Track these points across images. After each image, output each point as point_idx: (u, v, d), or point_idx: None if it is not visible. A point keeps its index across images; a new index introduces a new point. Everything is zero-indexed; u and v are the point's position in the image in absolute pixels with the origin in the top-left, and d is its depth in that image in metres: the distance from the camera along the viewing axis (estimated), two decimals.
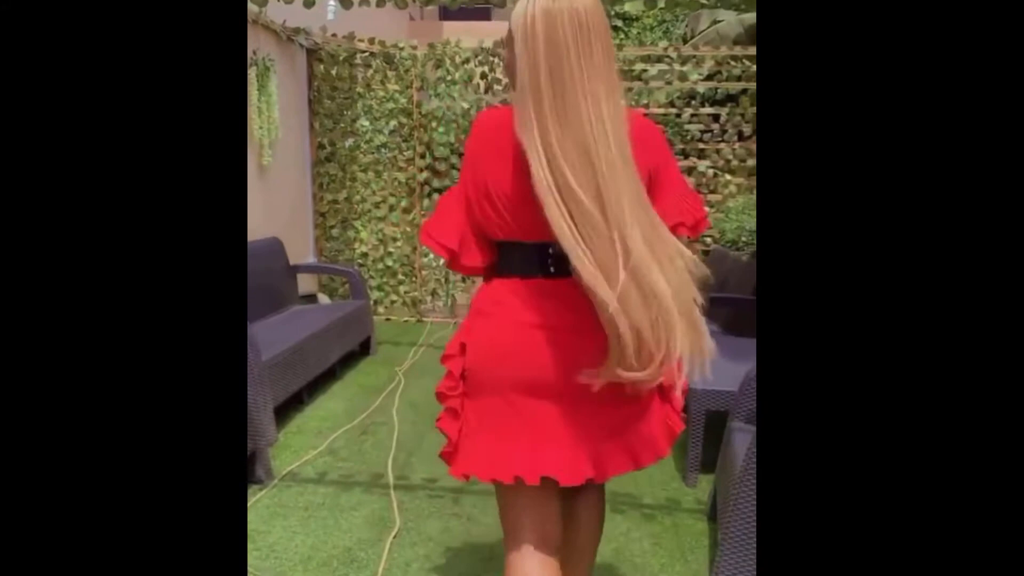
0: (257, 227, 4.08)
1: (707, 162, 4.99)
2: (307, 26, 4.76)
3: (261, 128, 4.20)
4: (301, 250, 4.98)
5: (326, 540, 2.05)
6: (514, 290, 1.22)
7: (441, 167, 5.11)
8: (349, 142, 5.17)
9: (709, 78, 4.93)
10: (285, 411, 3.11)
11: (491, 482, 1.23)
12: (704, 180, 4.98)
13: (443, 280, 5.29)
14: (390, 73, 5.07)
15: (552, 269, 1.19)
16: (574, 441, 1.19)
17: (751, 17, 6.79)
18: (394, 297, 5.30)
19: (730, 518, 1.69)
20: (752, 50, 4.86)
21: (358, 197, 5.22)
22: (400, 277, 5.28)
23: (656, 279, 1.08)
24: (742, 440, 1.93)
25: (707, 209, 5.00)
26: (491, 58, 4.94)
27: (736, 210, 4.39)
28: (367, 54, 5.05)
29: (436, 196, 5.14)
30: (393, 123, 5.12)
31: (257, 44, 4.21)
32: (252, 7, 3.58)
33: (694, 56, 4.89)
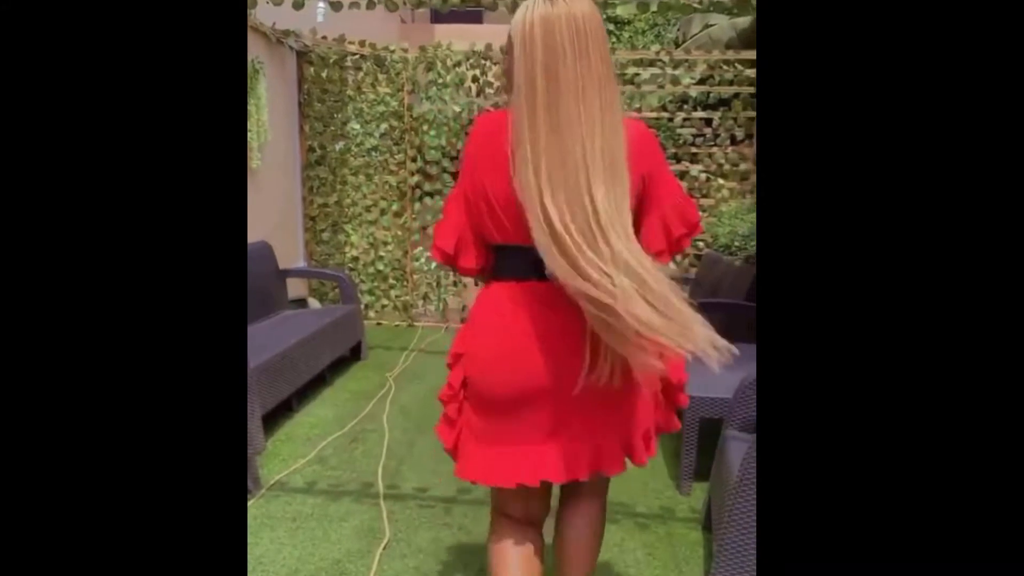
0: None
1: (699, 166, 4.97)
2: (297, 28, 4.72)
3: (250, 131, 4.16)
4: (291, 254, 4.93)
5: (314, 552, 2.01)
6: (510, 295, 1.23)
7: (432, 171, 5.08)
8: (339, 145, 5.13)
9: (701, 82, 4.92)
10: (274, 418, 3.07)
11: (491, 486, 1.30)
12: (696, 184, 4.96)
13: (435, 284, 5.25)
14: (381, 76, 5.03)
15: (546, 272, 1.18)
16: (569, 441, 1.22)
17: (743, 21, 6.80)
18: (385, 301, 5.26)
19: (725, 529, 1.67)
20: (744, 54, 4.85)
21: (348, 201, 5.18)
22: (391, 281, 5.24)
23: (639, 276, 1.07)
24: (737, 449, 1.91)
25: (700, 214, 5.01)
26: (483, 61, 4.91)
27: (729, 214, 4.37)
28: (358, 57, 5.02)
29: (427, 200, 5.11)
30: (384, 126, 5.08)
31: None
32: None
33: (686, 60, 4.88)
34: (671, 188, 1.28)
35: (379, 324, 5.17)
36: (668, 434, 2.83)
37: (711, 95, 4.94)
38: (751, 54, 4.83)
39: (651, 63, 4.88)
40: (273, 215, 4.63)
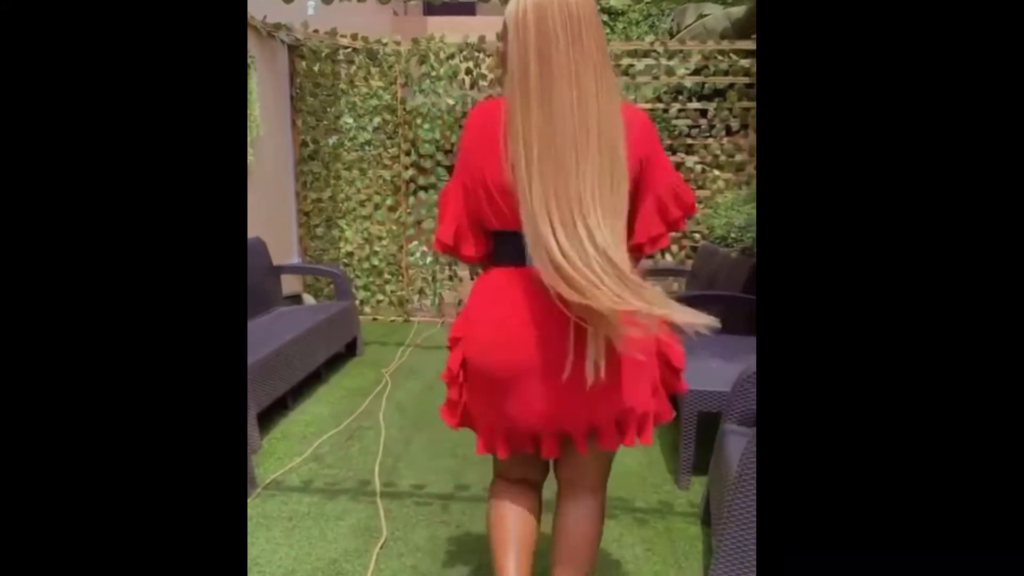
0: None
1: (695, 158, 4.95)
2: (288, 22, 4.67)
3: None
4: (285, 250, 4.90)
5: (310, 552, 1.99)
6: (508, 279, 1.26)
7: (427, 164, 5.04)
8: (333, 140, 5.08)
9: (696, 73, 4.88)
10: (269, 416, 3.05)
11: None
12: (692, 176, 4.94)
13: (430, 279, 5.23)
14: (374, 69, 4.99)
15: None
16: (564, 410, 1.25)
17: (738, 11, 6.76)
18: (380, 297, 5.23)
19: (725, 525, 1.65)
20: (739, 44, 4.82)
21: (342, 195, 5.14)
22: (386, 276, 5.21)
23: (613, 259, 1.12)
24: (736, 444, 1.89)
25: (695, 205, 4.99)
26: (476, 53, 4.87)
27: (725, 206, 4.35)
28: (350, 50, 4.97)
29: (422, 194, 5.08)
30: (377, 120, 5.04)
31: None
32: None
33: (681, 51, 4.85)
34: (667, 171, 1.30)
35: (375, 320, 5.15)
36: (666, 429, 2.83)
37: (706, 85, 4.92)
38: (746, 44, 4.80)
39: (645, 54, 4.84)
40: (266, 211, 4.60)
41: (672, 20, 8.33)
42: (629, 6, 9.40)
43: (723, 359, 2.67)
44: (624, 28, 9.67)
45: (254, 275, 3.83)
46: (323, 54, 4.92)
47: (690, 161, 4.94)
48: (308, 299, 5.10)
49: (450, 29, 5.57)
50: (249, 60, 4.17)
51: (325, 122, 5.06)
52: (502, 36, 1.23)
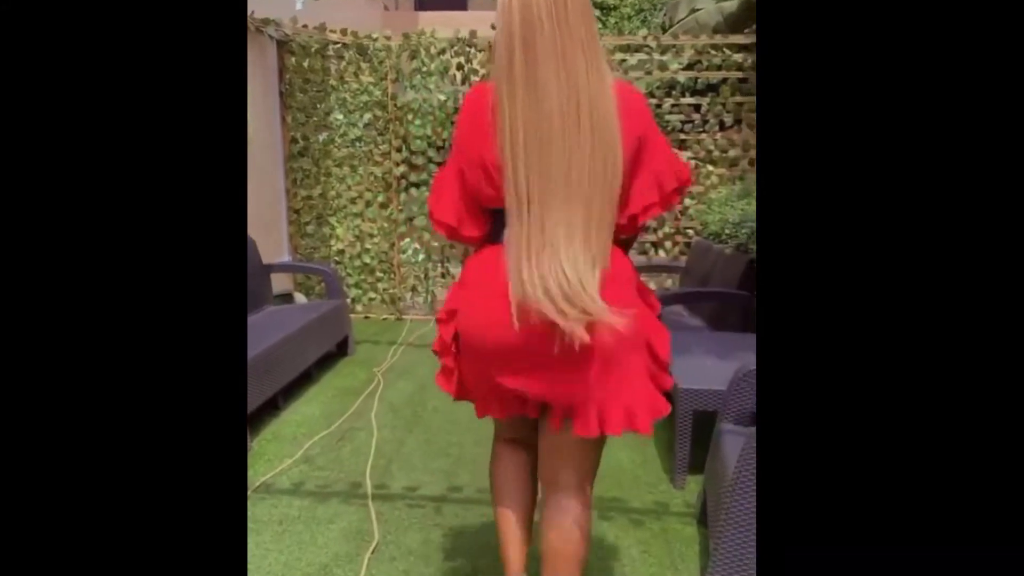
0: None
1: (688, 153, 4.92)
2: (277, 17, 4.61)
3: None
4: (275, 248, 4.85)
5: (300, 557, 1.96)
6: (501, 255, 1.27)
7: (418, 161, 4.99)
8: (323, 136, 5.03)
9: (689, 67, 4.85)
10: (260, 417, 3.01)
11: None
12: None
13: (423, 276, 5.18)
14: (364, 65, 4.93)
15: None
16: (549, 383, 1.27)
17: (730, 5, 6.72)
18: (372, 295, 5.19)
19: (723, 527, 1.62)
20: (732, 39, 4.80)
21: (333, 193, 5.09)
22: (378, 274, 5.17)
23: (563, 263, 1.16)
24: (733, 443, 1.86)
25: (689, 201, 4.95)
26: (468, 48, 4.83)
27: (719, 202, 4.33)
28: (340, 45, 4.91)
29: (413, 191, 5.03)
30: (368, 116, 4.98)
31: None
32: None
33: (673, 45, 4.81)
34: (662, 147, 1.32)
35: (367, 318, 5.10)
36: (660, 428, 2.80)
37: (699, 80, 4.88)
38: (739, 39, 4.78)
39: (638, 49, 4.81)
40: (256, 208, 4.54)
41: (664, 15, 8.30)
42: (621, 1, 9.37)
43: (718, 356, 2.65)
44: (616, 23, 9.63)
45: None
46: (312, 49, 4.86)
47: (683, 157, 4.91)
48: (299, 297, 5.05)
49: (441, 24, 5.53)
50: None
51: (315, 118, 5.00)
52: (495, 26, 1.25)
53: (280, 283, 4.76)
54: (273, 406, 3.12)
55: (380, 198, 5.07)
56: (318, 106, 4.99)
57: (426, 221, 4.94)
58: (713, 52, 4.75)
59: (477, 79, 4.84)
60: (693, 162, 4.92)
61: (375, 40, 4.88)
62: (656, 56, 4.77)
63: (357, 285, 5.16)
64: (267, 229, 4.69)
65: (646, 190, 1.29)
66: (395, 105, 4.96)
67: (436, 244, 5.11)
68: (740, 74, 4.74)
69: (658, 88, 5.02)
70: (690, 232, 4.94)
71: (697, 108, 4.91)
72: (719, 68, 4.79)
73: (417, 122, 4.91)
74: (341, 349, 4.07)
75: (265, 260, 4.16)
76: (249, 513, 2.20)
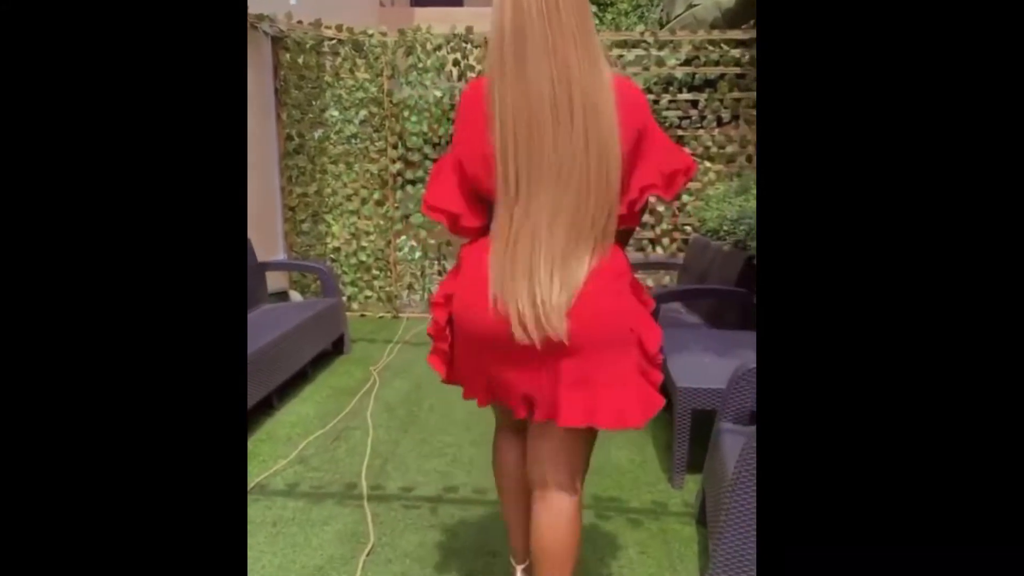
0: None
1: (686, 149, 4.89)
2: (271, 13, 4.57)
3: None
4: (270, 246, 4.81)
5: (295, 559, 1.93)
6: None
7: (414, 158, 4.96)
8: (318, 133, 4.99)
9: (686, 63, 4.82)
10: (254, 417, 2.98)
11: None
12: None
13: (419, 274, 5.16)
14: (359, 61, 4.89)
15: None
16: (535, 373, 1.28)
17: (728, 1, 6.69)
18: (368, 292, 5.16)
19: (722, 527, 1.60)
20: (730, 34, 4.77)
21: (329, 190, 5.05)
22: (374, 272, 5.14)
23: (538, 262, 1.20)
24: (733, 443, 1.84)
25: (687, 198, 4.92)
26: (464, 45, 4.79)
27: (717, 198, 4.30)
28: (335, 41, 4.88)
29: (409, 188, 5.00)
30: (363, 113, 4.95)
31: None
32: None
33: (671, 41, 4.79)
34: (662, 140, 1.33)
35: (363, 316, 5.07)
36: (658, 427, 2.78)
37: (696, 76, 4.85)
38: (736, 34, 4.75)
39: (635, 44, 4.79)
40: (251, 206, 4.50)
41: (661, 10, 8.26)
42: None
43: (716, 354, 2.62)
44: (613, 19, 9.60)
45: None
46: (307, 46, 4.83)
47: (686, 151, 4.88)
48: (294, 296, 5.02)
49: (437, 20, 5.49)
50: None
51: (310, 115, 4.97)
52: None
53: (275, 281, 4.73)
54: (268, 405, 3.09)
55: (376, 195, 5.03)
56: (313, 103, 4.95)
57: (423, 218, 4.91)
58: (710, 48, 4.73)
59: (473, 75, 4.81)
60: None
61: (371, 36, 4.84)
62: (653, 52, 4.75)
63: (353, 283, 5.13)
64: (262, 227, 4.65)
65: (648, 171, 1.30)
66: (391, 102, 4.93)
67: (432, 241, 5.08)
68: (738, 70, 4.72)
69: (655, 84, 4.98)
70: (688, 229, 4.91)
71: (695, 104, 4.88)
72: (716, 64, 4.77)
73: (413, 119, 4.88)
74: (337, 347, 4.04)
75: (260, 258, 4.13)
76: None
